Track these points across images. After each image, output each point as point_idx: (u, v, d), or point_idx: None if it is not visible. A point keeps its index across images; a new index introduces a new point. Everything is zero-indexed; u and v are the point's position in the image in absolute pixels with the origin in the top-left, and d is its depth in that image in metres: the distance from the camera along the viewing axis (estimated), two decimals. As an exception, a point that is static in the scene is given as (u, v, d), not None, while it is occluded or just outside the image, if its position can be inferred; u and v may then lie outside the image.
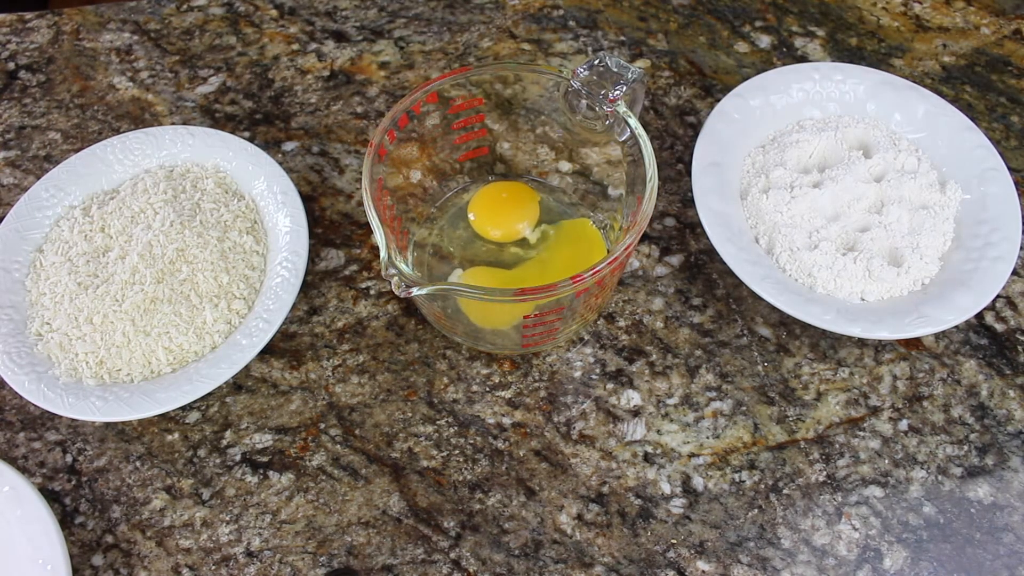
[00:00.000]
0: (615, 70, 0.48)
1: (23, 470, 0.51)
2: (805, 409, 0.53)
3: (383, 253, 0.43)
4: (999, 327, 0.56)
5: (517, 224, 0.56)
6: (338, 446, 0.51)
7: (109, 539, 0.49)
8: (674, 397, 0.53)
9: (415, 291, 0.42)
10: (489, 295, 0.44)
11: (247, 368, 0.54)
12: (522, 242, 0.56)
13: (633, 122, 0.48)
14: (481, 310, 0.52)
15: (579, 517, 0.49)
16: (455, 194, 0.59)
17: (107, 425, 0.52)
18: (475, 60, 0.68)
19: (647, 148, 0.47)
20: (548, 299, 0.43)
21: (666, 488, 0.50)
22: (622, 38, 0.69)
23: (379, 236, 0.44)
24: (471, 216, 0.57)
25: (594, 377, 0.53)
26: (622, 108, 0.48)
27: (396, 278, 0.42)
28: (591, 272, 0.43)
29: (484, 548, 0.48)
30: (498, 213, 0.57)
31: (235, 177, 0.58)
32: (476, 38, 0.69)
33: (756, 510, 0.49)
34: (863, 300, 0.53)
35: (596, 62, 0.49)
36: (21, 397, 0.50)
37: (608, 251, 0.53)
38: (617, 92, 0.48)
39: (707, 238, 0.54)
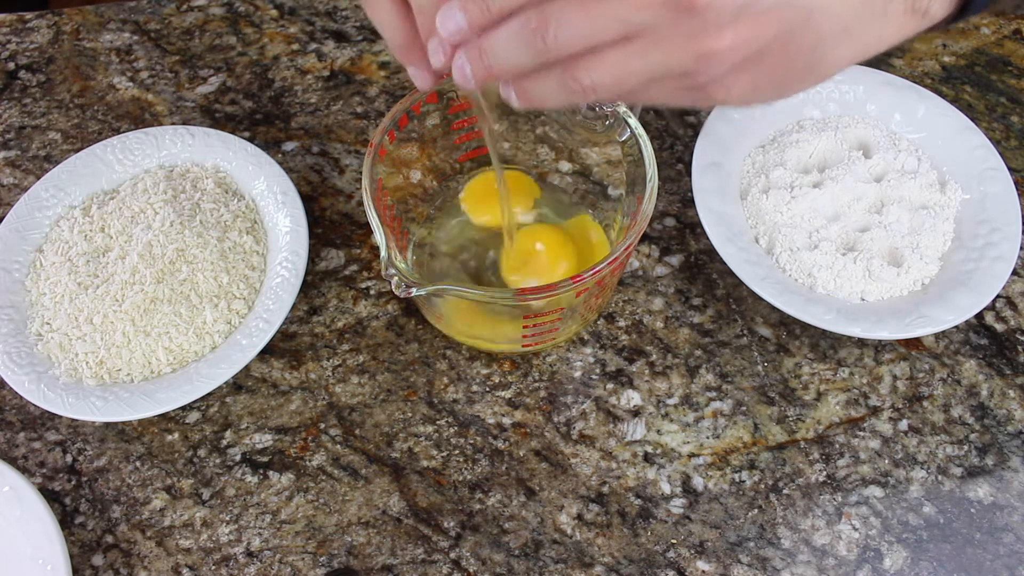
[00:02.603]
0: (615, 70, 0.48)
1: (23, 470, 0.51)
2: (805, 409, 0.53)
3: (383, 253, 0.43)
4: (999, 327, 0.56)
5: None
6: (338, 446, 0.51)
7: (109, 539, 0.49)
8: (674, 397, 0.53)
9: (415, 291, 0.42)
10: (489, 295, 0.44)
11: (247, 368, 0.54)
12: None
13: (633, 122, 0.48)
14: (478, 309, 0.52)
15: (579, 517, 0.49)
16: (455, 194, 0.59)
17: (107, 425, 0.52)
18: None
19: (647, 148, 0.47)
20: (548, 299, 0.43)
21: (666, 488, 0.50)
22: (622, 38, 0.69)
23: (379, 236, 0.44)
24: (463, 203, 0.56)
25: (594, 377, 0.53)
26: (622, 108, 0.48)
27: (396, 278, 0.42)
28: (591, 272, 0.43)
29: (484, 548, 0.48)
30: (489, 199, 0.56)
31: (235, 177, 0.58)
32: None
33: (756, 510, 0.49)
34: (863, 300, 0.53)
35: (596, 62, 0.49)
36: (21, 397, 0.50)
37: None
38: (617, 92, 0.47)
39: (707, 238, 0.54)
